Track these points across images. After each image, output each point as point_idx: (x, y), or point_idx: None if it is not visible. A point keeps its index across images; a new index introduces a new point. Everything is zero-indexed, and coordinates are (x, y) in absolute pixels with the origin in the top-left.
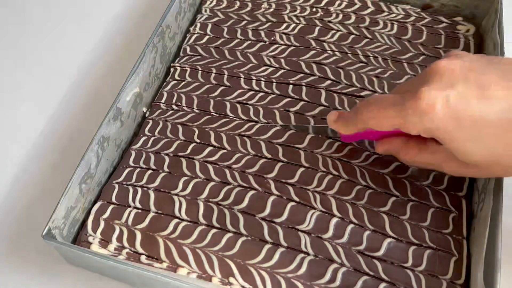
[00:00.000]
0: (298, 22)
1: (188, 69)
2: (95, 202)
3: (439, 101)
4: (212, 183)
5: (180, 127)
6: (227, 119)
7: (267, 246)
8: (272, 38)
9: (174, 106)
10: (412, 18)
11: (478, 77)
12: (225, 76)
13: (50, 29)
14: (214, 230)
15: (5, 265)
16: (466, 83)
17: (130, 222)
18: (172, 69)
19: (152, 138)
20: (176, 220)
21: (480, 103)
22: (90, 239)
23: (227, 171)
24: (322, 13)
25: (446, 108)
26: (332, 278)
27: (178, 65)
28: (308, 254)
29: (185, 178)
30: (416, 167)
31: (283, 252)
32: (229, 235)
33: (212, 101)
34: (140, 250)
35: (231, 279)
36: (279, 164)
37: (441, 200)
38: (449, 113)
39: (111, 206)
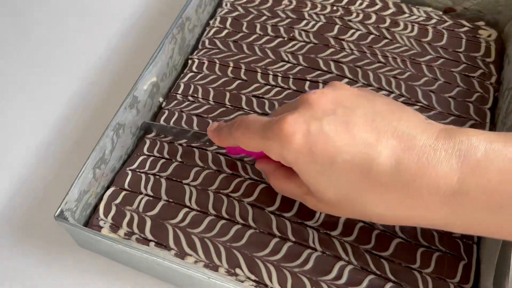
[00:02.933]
0: (318, 19)
1: (206, 62)
2: (107, 188)
3: (300, 132)
4: (223, 175)
5: (195, 118)
6: (242, 112)
7: (275, 240)
8: (291, 35)
9: (190, 98)
10: (434, 21)
11: (347, 114)
12: (242, 70)
13: (72, 18)
14: (223, 221)
15: (16, 248)
16: (334, 117)
17: (141, 208)
18: (190, 61)
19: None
20: (186, 209)
21: (340, 141)
22: (101, 223)
23: (239, 164)
24: (342, 12)
25: (304, 140)
26: (338, 275)
27: (196, 57)
28: (315, 250)
29: (197, 168)
30: (284, 195)
31: (290, 247)
32: (237, 226)
33: (228, 94)
34: (150, 236)
35: (238, 270)
36: None
37: None
38: (307, 146)
39: (124, 192)
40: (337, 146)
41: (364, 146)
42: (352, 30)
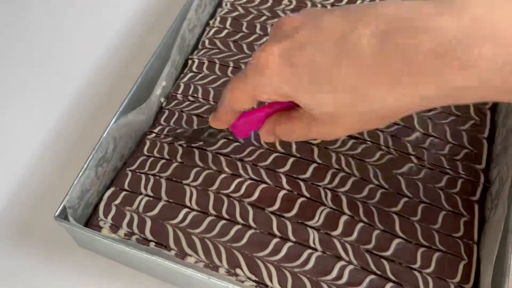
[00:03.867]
0: None
1: (206, 62)
2: (109, 187)
3: (274, 54)
4: (223, 175)
5: (195, 118)
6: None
7: (275, 240)
8: None
9: (190, 98)
10: None
11: (316, 22)
12: None
13: (71, 20)
14: (223, 221)
15: (17, 248)
16: (302, 28)
17: (141, 209)
18: (190, 61)
19: (167, 128)
20: (186, 210)
21: (313, 43)
22: (101, 223)
23: (239, 164)
24: None
25: (280, 58)
26: (339, 275)
27: (196, 57)
28: (316, 250)
29: (197, 169)
30: (297, 141)
31: (291, 247)
32: (238, 227)
33: None
34: (150, 237)
35: (238, 270)
36: (292, 159)
37: (453, 204)
38: (285, 63)
39: (123, 193)
40: (312, 50)
41: (340, 37)
42: None
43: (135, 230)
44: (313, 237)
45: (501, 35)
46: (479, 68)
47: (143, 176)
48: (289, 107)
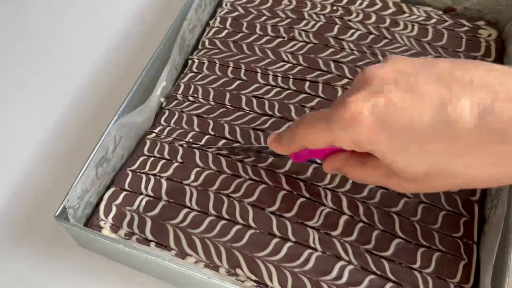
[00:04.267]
0: (318, 19)
1: (206, 62)
2: (109, 187)
3: (365, 110)
4: (223, 175)
5: (195, 118)
6: (242, 113)
7: (275, 240)
8: (291, 35)
9: (190, 98)
10: (433, 21)
11: (410, 80)
12: (242, 70)
13: (71, 20)
14: (223, 221)
15: (17, 248)
16: (397, 88)
17: (141, 209)
18: (190, 62)
19: (168, 128)
20: (186, 210)
21: (411, 107)
22: (102, 223)
23: (239, 164)
24: (342, 12)
25: (372, 117)
26: (339, 275)
27: (196, 57)
28: (316, 250)
29: (198, 169)
30: (367, 183)
31: (291, 247)
32: (238, 227)
33: (228, 94)
34: (150, 237)
35: (238, 270)
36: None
37: (453, 204)
38: (377, 123)
39: (124, 193)
40: (410, 114)
41: (439, 106)
42: (352, 30)
43: (136, 230)
44: (313, 237)
45: None
46: None
47: (144, 176)
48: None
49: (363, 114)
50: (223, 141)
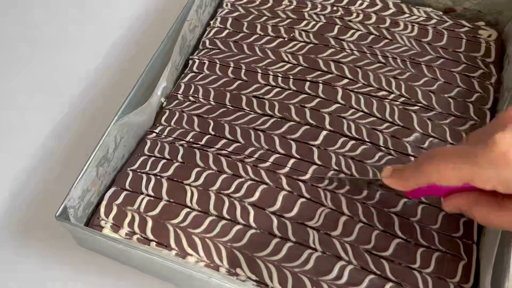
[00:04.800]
0: (318, 20)
1: (207, 62)
2: (109, 187)
3: None
4: (224, 175)
5: (195, 118)
6: (243, 113)
7: (276, 240)
8: (291, 35)
9: (191, 98)
10: (434, 21)
11: None
12: (243, 71)
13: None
14: (224, 221)
15: (18, 248)
16: None
17: (142, 209)
18: (190, 62)
19: (168, 128)
20: (187, 210)
21: None
22: (102, 223)
23: (240, 165)
24: (342, 12)
25: None
26: (339, 275)
27: (197, 57)
28: (316, 250)
29: (198, 169)
30: (493, 227)
31: (291, 247)
32: (238, 227)
33: (228, 94)
34: (151, 236)
35: (238, 270)
36: (292, 160)
37: None
38: None
39: (124, 193)
40: None
41: None
42: (352, 30)
43: (136, 230)
44: (313, 237)
45: None
46: None
47: (144, 176)
48: (470, 188)
49: None
50: (224, 141)
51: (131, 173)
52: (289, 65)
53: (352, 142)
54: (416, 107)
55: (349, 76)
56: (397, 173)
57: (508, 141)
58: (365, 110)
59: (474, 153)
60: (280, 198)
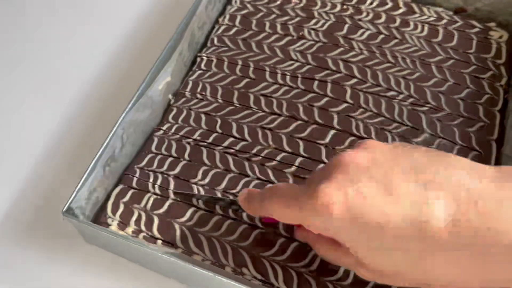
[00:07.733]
0: (327, 18)
1: (215, 60)
2: (116, 185)
3: (337, 200)
4: (231, 175)
5: (203, 116)
6: (250, 111)
7: (281, 240)
8: (300, 33)
9: (198, 95)
10: (444, 21)
11: (385, 173)
12: (251, 69)
13: (79, 14)
14: (229, 221)
15: (24, 245)
16: (370, 181)
17: (148, 207)
18: (198, 59)
19: (175, 126)
20: (193, 208)
21: (384, 205)
22: (109, 221)
23: (246, 163)
24: (352, 11)
25: (344, 209)
26: (344, 275)
27: (205, 55)
28: None
29: (205, 167)
30: (333, 263)
31: (296, 246)
32: (244, 226)
33: (236, 93)
34: (157, 235)
35: (244, 269)
36: (299, 159)
37: None
38: (348, 215)
39: (132, 191)
40: (381, 211)
41: (412, 205)
42: (362, 30)
43: (143, 228)
44: None
45: None
46: None
47: (151, 174)
48: None
49: (335, 205)
50: (231, 139)
51: (138, 171)
52: (298, 63)
53: (360, 141)
54: (425, 108)
55: (358, 75)
56: (247, 199)
57: (331, 192)
58: (374, 110)
59: (302, 200)
60: None
